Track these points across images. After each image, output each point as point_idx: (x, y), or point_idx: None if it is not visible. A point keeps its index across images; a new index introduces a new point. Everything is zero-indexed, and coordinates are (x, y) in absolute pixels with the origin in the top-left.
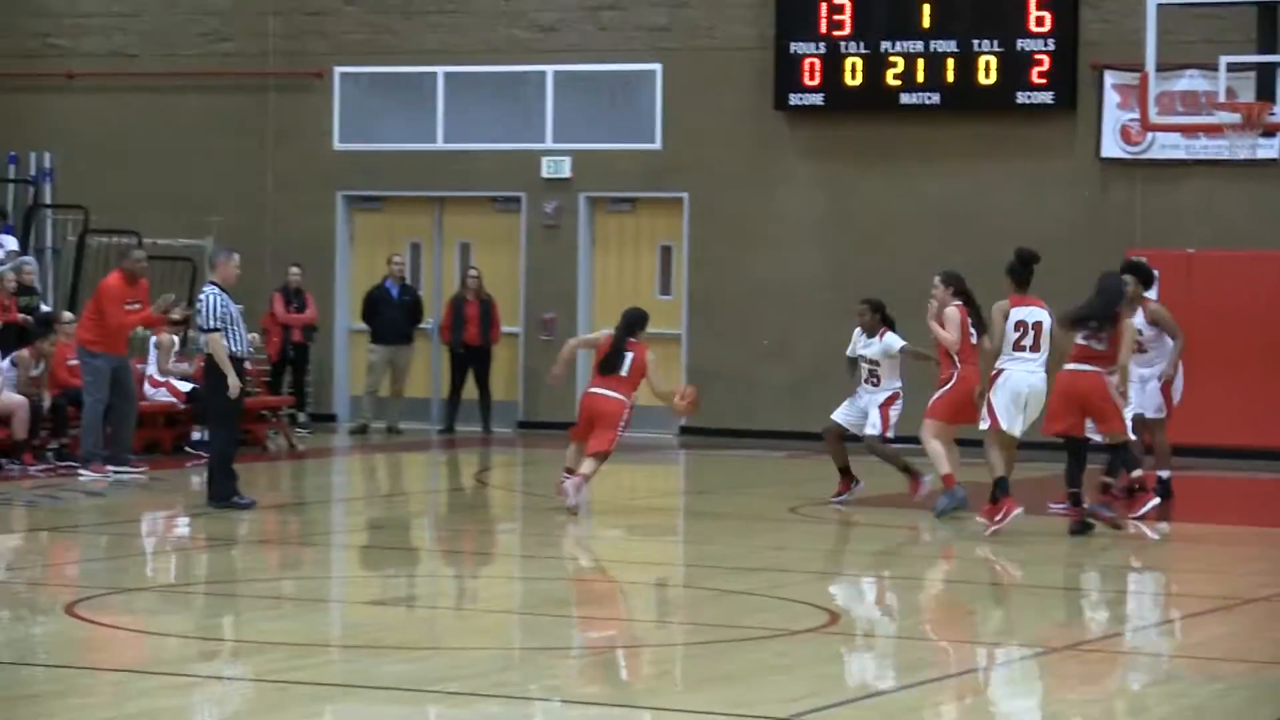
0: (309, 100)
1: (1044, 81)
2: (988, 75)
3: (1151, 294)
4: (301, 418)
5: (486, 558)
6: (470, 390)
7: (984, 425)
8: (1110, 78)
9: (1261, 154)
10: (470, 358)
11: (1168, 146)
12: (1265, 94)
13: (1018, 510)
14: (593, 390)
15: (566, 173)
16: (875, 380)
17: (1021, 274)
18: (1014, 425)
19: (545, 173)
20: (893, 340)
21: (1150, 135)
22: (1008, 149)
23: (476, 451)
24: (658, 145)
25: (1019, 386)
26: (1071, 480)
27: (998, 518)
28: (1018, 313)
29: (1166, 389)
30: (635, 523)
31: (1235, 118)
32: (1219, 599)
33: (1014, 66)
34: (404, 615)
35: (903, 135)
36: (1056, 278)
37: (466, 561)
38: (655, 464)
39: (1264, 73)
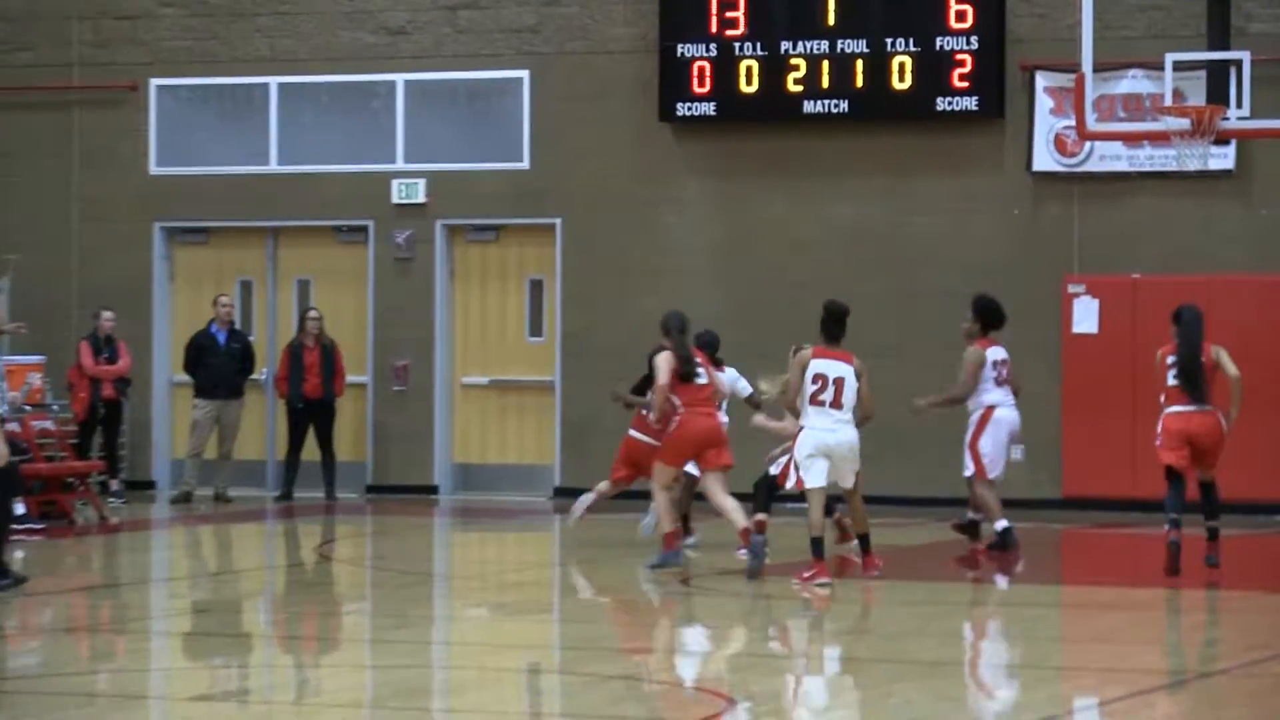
0: (121, 117)
1: (966, 85)
2: (902, 79)
3: (1092, 326)
4: (114, 485)
5: (331, 643)
6: (311, 450)
7: (789, 484)
8: (1042, 80)
9: (1214, 165)
10: (311, 413)
11: (1108, 158)
12: (1217, 96)
13: (825, 578)
14: (633, 434)
15: (421, 197)
16: None
17: (828, 327)
18: (819, 480)
19: (396, 198)
20: None
21: (1088, 145)
22: (927, 163)
23: (319, 521)
24: (526, 164)
25: (817, 442)
26: (1172, 506)
27: (806, 576)
28: (818, 365)
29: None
30: (504, 599)
31: (1184, 123)
32: (1169, 673)
33: (932, 69)
34: (235, 712)
35: (807, 149)
36: None
37: (307, 648)
38: (527, 530)
39: (1215, 72)
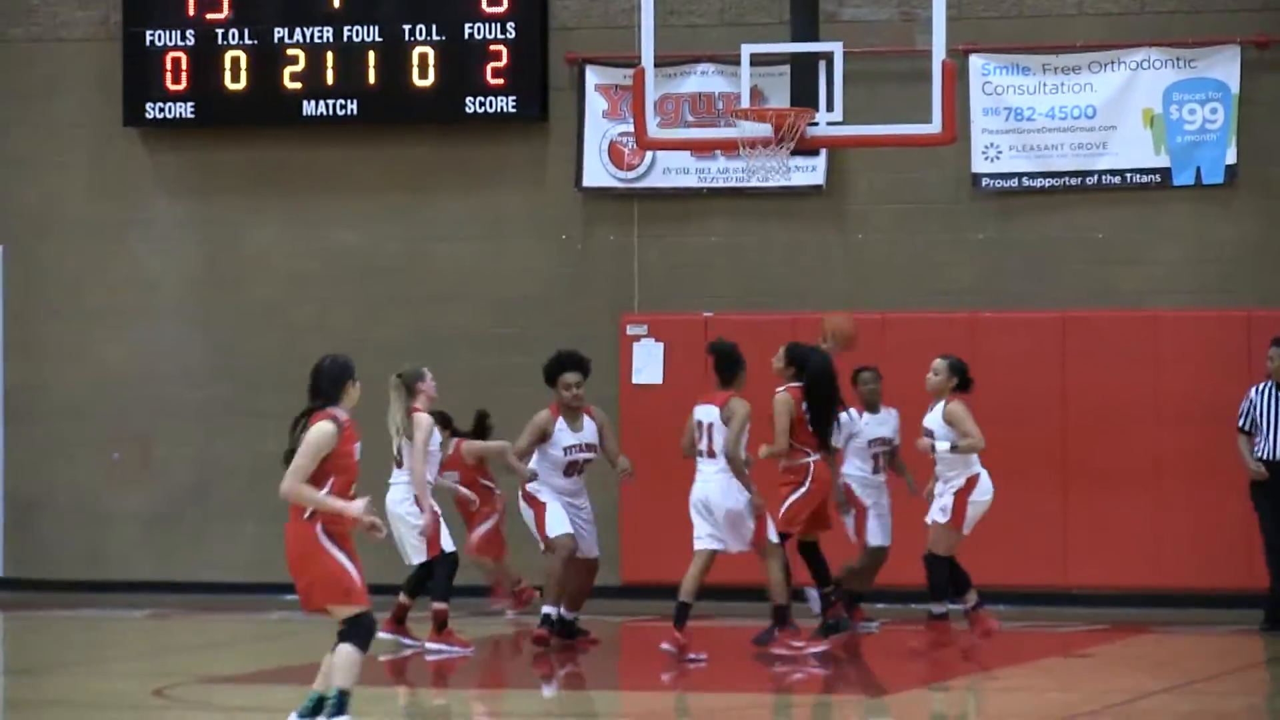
0: None
1: (502, 83)
2: (424, 75)
3: (656, 376)
4: None
5: None
6: None
7: None
8: (593, 76)
9: (800, 180)
10: None
11: (675, 171)
12: (804, 97)
13: None
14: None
15: None
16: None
17: None
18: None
19: None
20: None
21: (649, 156)
22: (454, 177)
23: None
24: None
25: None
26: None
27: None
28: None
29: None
30: None
31: (764, 129)
32: None
33: (460, 63)
34: None
35: (307, 160)
36: (531, 354)
37: None
38: None
39: (801, 67)
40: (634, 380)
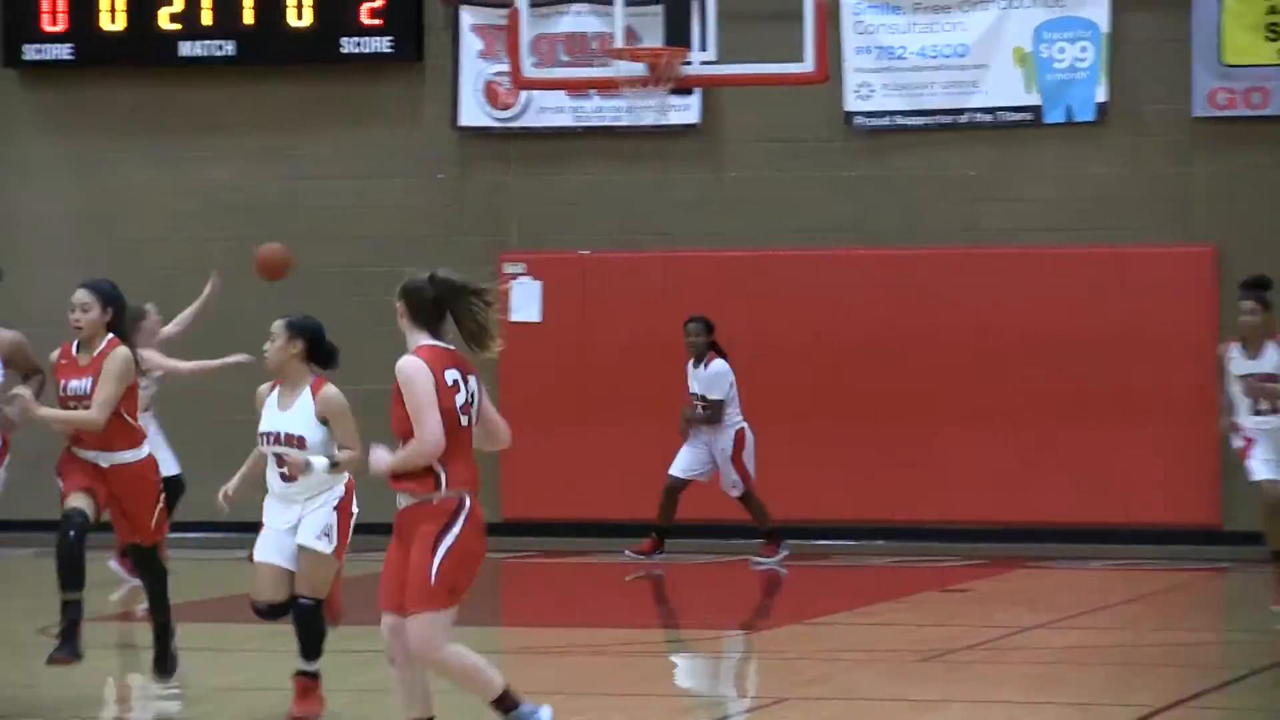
0: None
1: (378, 23)
2: (301, 16)
3: (534, 314)
4: None
5: None
6: None
7: None
8: (468, 16)
9: (674, 118)
10: None
11: (549, 110)
12: (677, 36)
13: None
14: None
15: None
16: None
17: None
18: None
19: None
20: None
21: (525, 96)
22: (331, 117)
23: None
24: None
25: None
26: None
27: None
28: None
29: None
30: None
31: (639, 69)
32: None
33: (336, 3)
34: None
35: (184, 100)
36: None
37: None
38: None
39: (674, 7)
40: (513, 318)
